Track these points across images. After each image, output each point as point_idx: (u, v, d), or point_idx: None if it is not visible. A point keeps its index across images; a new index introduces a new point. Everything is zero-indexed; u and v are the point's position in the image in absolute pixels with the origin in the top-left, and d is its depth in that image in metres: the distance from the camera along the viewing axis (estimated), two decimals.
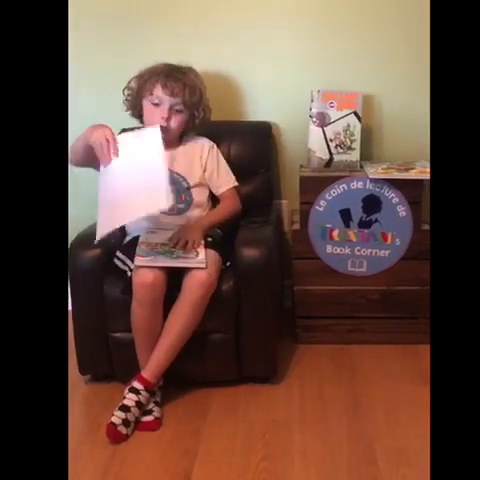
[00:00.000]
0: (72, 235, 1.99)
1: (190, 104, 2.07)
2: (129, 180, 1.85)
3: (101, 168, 1.92)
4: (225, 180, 2.17)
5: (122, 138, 1.96)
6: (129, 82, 2.14)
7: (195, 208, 2.12)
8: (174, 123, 2.06)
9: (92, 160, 1.98)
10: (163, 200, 1.79)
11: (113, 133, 1.92)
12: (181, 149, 2.15)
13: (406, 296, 2.27)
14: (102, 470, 1.68)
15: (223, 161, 2.21)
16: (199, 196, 2.11)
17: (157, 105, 2.05)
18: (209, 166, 2.15)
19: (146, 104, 2.07)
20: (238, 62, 2.39)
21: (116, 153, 1.89)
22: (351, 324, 2.31)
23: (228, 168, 2.21)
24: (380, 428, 1.82)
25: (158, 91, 2.05)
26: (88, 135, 1.93)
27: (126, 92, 2.15)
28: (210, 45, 2.38)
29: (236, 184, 2.20)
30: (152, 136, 1.90)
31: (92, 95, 2.44)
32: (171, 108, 2.05)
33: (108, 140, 1.89)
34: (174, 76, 2.06)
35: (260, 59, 2.39)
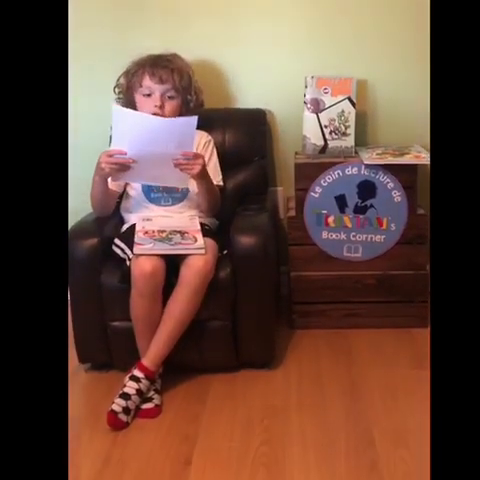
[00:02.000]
0: (69, 225, 2.00)
1: (181, 88, 2.08)
2: (157, 155, 1.84)
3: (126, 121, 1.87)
4: (211, 175, 2.10)
5: (151, 118, 1.91)
6: (118, 79, 2.15)
7: (190, 198, 2.12)
8: (168, 110, 2.05)
9: (112, 194, 2.06)
10: (185, 181, 1.98)
11: (109, 151, 1.88)
12: None
13: (401, 280, 2.29)
14: (103, 457, 1.70)
15: (215, 158, 2.19)
16: (194, 186, 2.11)
17: (149, 96, 2.06)
18: None
19: (138, 97, 2.08)
20: (231, 49, 2.39)
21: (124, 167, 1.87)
22: (347, 309, 2.33)
23: (218, 166, 2.19)
24: (377, 411, 1.84)
25: (147, 81, 2.05)
26: (96, 176, 1.94)
27: (117, 90, 2.16)
28: (202, 32, 2.37)
29: (221, 184, 2.18)
30: (188, 125, 1.83)
31: (89, 88, 2.43)
32: (163, 95, 2.05)
33: (109, 156, 1.86)
34: (160, 64, 2.07)
35: (253, 45, 2.39)
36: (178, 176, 1.93)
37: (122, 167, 1.87)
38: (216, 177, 2.15)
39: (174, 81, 2.06)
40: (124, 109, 1.91)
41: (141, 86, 2.06)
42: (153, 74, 2.05)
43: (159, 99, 2.04)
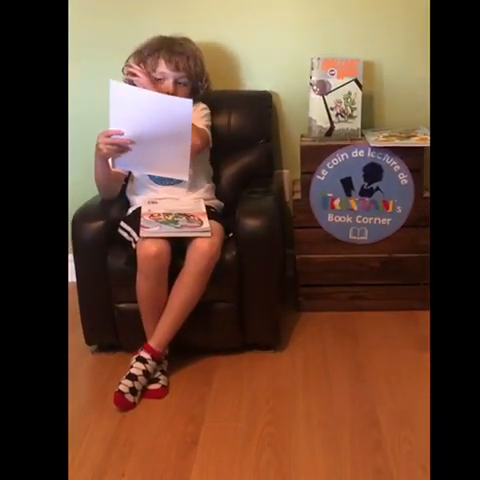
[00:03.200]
0: (74, 208, 2.00)
1: (194, 76, 2.07)
2: (155, 135, 1.83)
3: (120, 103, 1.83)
4: (196, 119, 2.04)
5: (148, 93, 1.91)
6: (127, 60, 2.13)
7: (192, 177, 2.11)
8: (180, 97, 2.04)
9: (116, 177, 2.06)
10: (186, 173, 1.92)
11: (106, 131, 1.86)
12: None
13: (406, 263, 2.29)
14: (110, 437, 1.72)
15: (202, 113, 2.13)
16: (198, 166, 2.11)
17: (159, 81, 2.05)
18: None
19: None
20: (237, 31, 2.37)
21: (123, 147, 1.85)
22: (352, 291, 2.33)
23: (204, 118, 2.12)
24: (382, 392, 1.86)
25: (162, 67, 2.04)
26: (96, 157, 1.93)
27: (126, 70, 2.12)
28: (207, 13, 2.35)
29: (203, 128, 2.09)
30: (184, 107, 1.80)
31: (91, 70, 2.43)
32: (175, 82, 2.05)
33: (107, 137, 1.84)
34: (175, 50, 2.05)
35: (258, 27, 2.37)
36: (177, 165, 1.91)
37: (120, 148, 1.85)
38: (200, 122, 2.09)
39: (190, 68, 2.05)
40: (121, 84, 1.88)
41: (154, 71, 2.05)
42: (169, 61, 2.03)
43: (172, 86, 2.04)
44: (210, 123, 2.17)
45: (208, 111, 2.18)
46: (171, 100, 1.88)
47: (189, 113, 1.80)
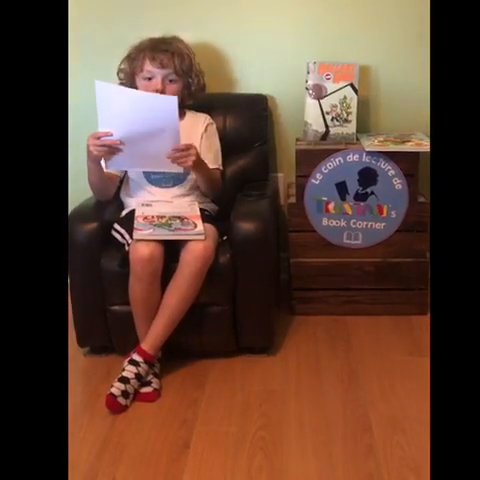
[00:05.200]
0: (69, 208, 1.99)
1: (182, 72, 2.07)
2: (144, 134, 1.83)
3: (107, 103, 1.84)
4: (212, 160, 2.12)
5: (132, 92, 1.92)
6: (120, 64, 2.14)
7: (190, 181, 2.12)
8: (169, 94, 2.04)
9: (111, 179, 2.06)
10: (179, 166, 1.94)
11: (95, 133, 1.86)
12: (181, 122, 2.14)
13: (401, 268, 2.29)
14: (102, 440, 1.71)
15: (216, 142, 2.19)
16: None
17: (150, 80, 2.05)
18: (203, 141, 2.13)
19: (140, 81, 2.08)
20: (233, 34, 2.37)
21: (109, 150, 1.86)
22: (347, 296, 2.33)
23: (219, 150, 2.19)
24: (375, 397, 1.86)
25: (147, 66, 2.05)
26: (88, 160, 1.93)
27: (120, 75, 2.15)
28: (204, 16, 2.35)
29: (221, 168, 2.18)
30: (169, 104, 1.82)
31: (91, 70, 2.41)
32: (164, 79, 2.05)
33: (96, 139, 1.85)
34: (160, 48, 2.06)
35: (256, 30, 2.37)
36: (169, 160, 1.91)
37: (111, 149, 1.86)
38: (216, 162, 2.16)
39: (175, 65, 2.05)
40: (106, 83, 1.86)
41: (142, 71, 2.06)
42: (153, 58, 2.04)
43: (160, 83, 2.04)
44: (218, 140, 2.19)
45: (214, 126, 2.20)
46: (155, 97, 1.89)
47: (174, 109, 1.81)
